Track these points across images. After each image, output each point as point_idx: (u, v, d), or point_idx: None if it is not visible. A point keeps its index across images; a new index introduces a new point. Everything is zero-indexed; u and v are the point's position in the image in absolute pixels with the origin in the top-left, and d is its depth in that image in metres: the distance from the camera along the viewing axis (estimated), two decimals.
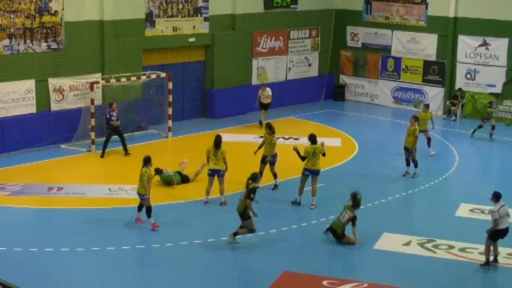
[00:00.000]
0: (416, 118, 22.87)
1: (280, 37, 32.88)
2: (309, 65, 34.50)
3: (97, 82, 25.33)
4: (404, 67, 33.63)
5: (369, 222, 17.49)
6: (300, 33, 33.76)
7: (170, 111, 27.15)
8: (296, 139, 26.57)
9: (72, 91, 25.70)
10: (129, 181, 21.11)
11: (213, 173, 19.44)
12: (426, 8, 32.78)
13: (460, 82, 32.10)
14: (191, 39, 29.20)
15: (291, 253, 16.70)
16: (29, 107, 24.72)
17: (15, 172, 22.34)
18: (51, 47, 25.01)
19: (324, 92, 34.82)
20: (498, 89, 31.16)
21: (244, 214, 16.90)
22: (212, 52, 30.03)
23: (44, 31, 24.73)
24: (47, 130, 24.87)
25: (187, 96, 29.88)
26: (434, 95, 32.65)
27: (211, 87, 30.26)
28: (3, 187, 20.69)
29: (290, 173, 21.33)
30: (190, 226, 18.22)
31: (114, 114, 24.33)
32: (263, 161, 20.93)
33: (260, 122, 28.68)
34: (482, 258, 16.26)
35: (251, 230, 16.99)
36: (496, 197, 16.17)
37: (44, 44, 24.81)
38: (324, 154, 19.56)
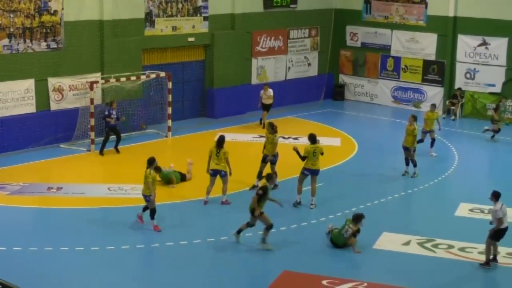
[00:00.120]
0: (415, 118, 22.83)
1: (280, 37, 32.87)
2: (309, 64, 34.49)
3: (97, 82, 25.31)
4: (403, 66, 33.62)
5: (368, 222, 17.46)
6: (300, 33, 33.75)
7: (169, 110, 27.15)
8: (296, 138, 26.57)
9: (72, 91, 25.68)
10: (128, 180, 21.13)
11: (214, 173, 19.40)
12: (426, 7, 32.77)
13: (460, 81, 32.10)
14: (191, 39, 29.19)
15: (291, 252, 16.69)
16: (29, 107, 24.71)
17: (14, 171, 22.33)
18: (51, 46, 24.99)
19: (323, 92, 34.82)
20: (497, 89, 31.17)
21: (254, 211, 16.78)
22: (211, 51, 30.02)
23: (44, 30, 24.72)
24: (46, 130, 24.86)
25: (187, 95, 29.86)
26: (434, 94, 32.63)
27: (210, 86, 30.24)
28: (2, 187, 20.67)
29: (290, 173, 21.32)
30: (190, 226, 18.20)
31: (114, 113, 24.38)
32: (264, 161, 20.85)
33: (261, 121, 28.69)
34: (482, 258, 16.26)
35: (270, 226, 16.70)
36: (496, 196, 16.16)
37: (43, 44, 24.80)
38: (322, 153, 19.57)
